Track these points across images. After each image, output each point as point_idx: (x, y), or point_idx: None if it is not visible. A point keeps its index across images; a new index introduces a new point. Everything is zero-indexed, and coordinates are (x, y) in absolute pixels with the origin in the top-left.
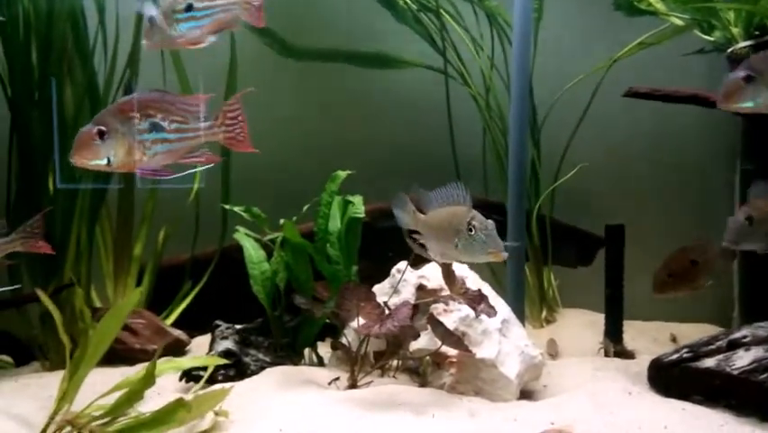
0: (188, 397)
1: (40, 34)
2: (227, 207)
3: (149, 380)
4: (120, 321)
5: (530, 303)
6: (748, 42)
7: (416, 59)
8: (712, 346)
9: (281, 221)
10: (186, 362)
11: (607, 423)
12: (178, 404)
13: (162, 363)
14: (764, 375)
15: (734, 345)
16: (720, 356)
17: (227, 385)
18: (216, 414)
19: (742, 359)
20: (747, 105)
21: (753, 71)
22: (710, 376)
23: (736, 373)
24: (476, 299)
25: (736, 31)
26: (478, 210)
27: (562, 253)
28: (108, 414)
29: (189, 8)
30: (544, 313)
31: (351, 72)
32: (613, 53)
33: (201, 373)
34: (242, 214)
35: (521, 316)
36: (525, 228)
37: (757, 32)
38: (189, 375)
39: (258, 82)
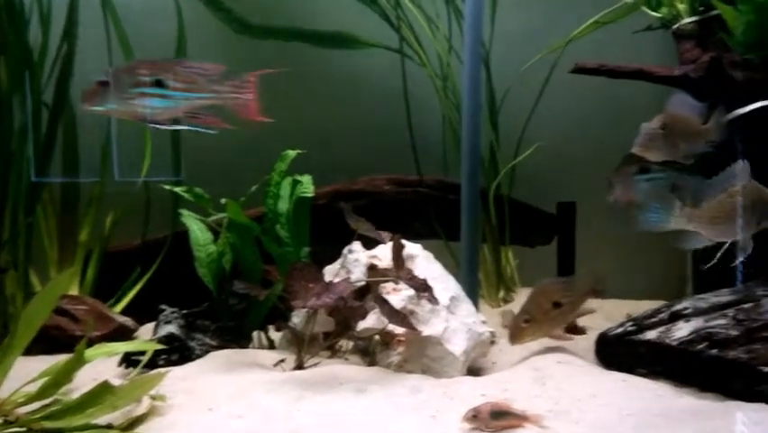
0: (124, 382)
1: None
2: (167, 186)
3: (77, 363)
4: (49, 304)
5: (487, 283)
6: (693, 18)
7: (373, 38)
8: (655, 319)
9: (222, 201)
10: (119, 346)
11: (545, 396)
12: (104, 388)
13: (95, 347)
14: (702, 345)
15: (675, 317)
16: (662, 328)
17: (163, 370)
18: (153, 399)
19: (681, 330)
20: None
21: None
22: (652, 348)
23: (675, 344)
24: (420, 286)
25: (681, 7)
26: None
27: (520, 232)
28: (34, 399)
29: (159, 84)
30: (502, 293)
31: (308, 52)
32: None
33: (142, 358)
34: (184, 195)
35: (474, 294)
36: (478, 207)
37: (702, 8)
38: (130, 361)
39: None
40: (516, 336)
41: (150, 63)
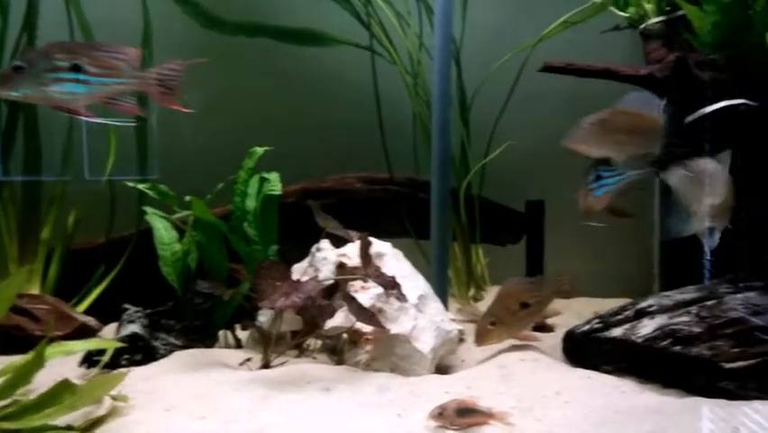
0: (83, 382)
1: None
2: (131, 184)
3: (36, 363)
4: (4, 303)
5: (458, 281)
6: (660, 18)
7: (343, 35)
8: (621, 316)
9: (186, 198)
10: (78, 345)
11: (510, 393)
12: (63, 387)
13: (53, 346)
14: (666, 342)
15: (640, 314)
16: (627, 325)
17: (124, 370)
18: (114, 399)
19: (646, 327)
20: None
21: None
22: (617, 345)
23: (639, 341)
24: (388, 284)
25: (648, 7)
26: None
27: (490, 231)
28: None
29: (76, 69)
30: (472, 291)
31: (278, 48)
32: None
33: (104, 358)
34: (148, 192)
35: (444, 292)
36: (448, 206)
37: (668, 8)
38: (91, 361)
39: (175, 54)
40: (481, 337)
41: (67, 46)
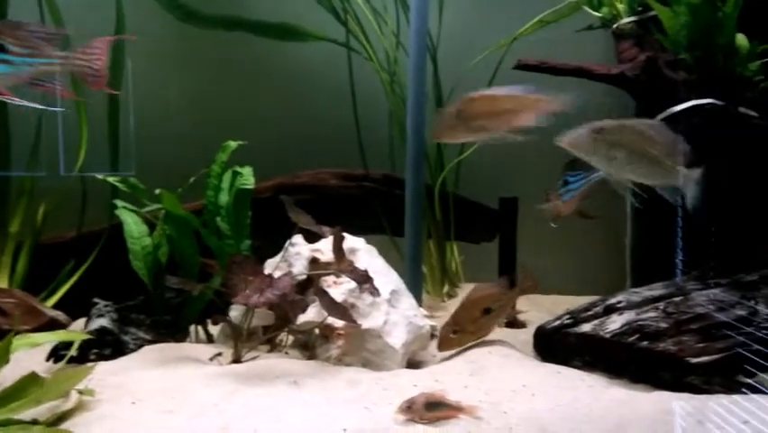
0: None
1: None
2: (100, 176)
3: (2, 357)
4: None
5: (432, 278)
6: (632, 18)
7: (319, 31)
8: (590, 312)
9: (156, 191)
10: (43, 337)
11: (479, 388)
12: (29, 380)
13: (18, 338)
14: (633, 337)
15: (609, 310)
16: (596, 321)
17: (90, 364)
18: (81, 393)
19: (615, 323)
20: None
21: None
22: (587, 340)
23: (608, 336)
24: (361, 278)
25: (621, 7)
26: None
27: (464, 228)
28: None
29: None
30: (446, 288)
31: (255, 43)
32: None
33: (73, 352)
34: (118, 185)
35: (417, 288)
36: (423, 202)
37: (640, 9)
38: (59, 356)
39: (149, 49)
40: (443, 345)
41: None
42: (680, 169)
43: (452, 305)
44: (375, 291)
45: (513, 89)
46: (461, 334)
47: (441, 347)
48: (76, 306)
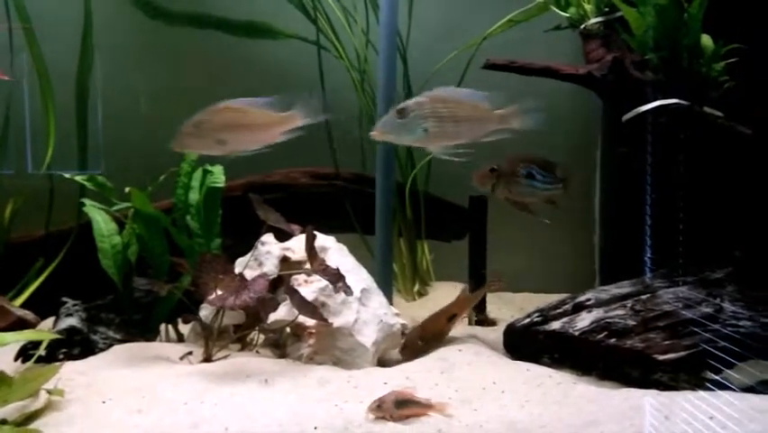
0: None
1: None
2: (67, 175)
3: None
4: None
5: (403, 277)
6: (599, 19)
7: (288, 29)
8: (560, 310)
9: (126, 189)
10: (9, 336)
11: (449, 385)
12: None
13: None
14: (602, 335)
15: (578, 308)
16: (566, 319)
17: (57, 364)
18: (50, 393)
19: (583, 321)
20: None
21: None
22: (556, 338)
23: (577, 333)
24: (334, 277)
25: (588, 7)
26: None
27: (435, 227)
28: None
29: None
30: (417, 287)
31: (225, 39)
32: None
33: (42, 352)
34: (85, 183)
35: (388, 287)
36: (392, 201)
37: (607, 9)
38: (27, 355)
39: (116, 45)
40: (408, 352)
41: None
42: (496, 112)
43: (422, 304)
44: (348, 290)
45: (254, 102)
46: (426, 343)
47: (405, 354)
48: (45, 305)
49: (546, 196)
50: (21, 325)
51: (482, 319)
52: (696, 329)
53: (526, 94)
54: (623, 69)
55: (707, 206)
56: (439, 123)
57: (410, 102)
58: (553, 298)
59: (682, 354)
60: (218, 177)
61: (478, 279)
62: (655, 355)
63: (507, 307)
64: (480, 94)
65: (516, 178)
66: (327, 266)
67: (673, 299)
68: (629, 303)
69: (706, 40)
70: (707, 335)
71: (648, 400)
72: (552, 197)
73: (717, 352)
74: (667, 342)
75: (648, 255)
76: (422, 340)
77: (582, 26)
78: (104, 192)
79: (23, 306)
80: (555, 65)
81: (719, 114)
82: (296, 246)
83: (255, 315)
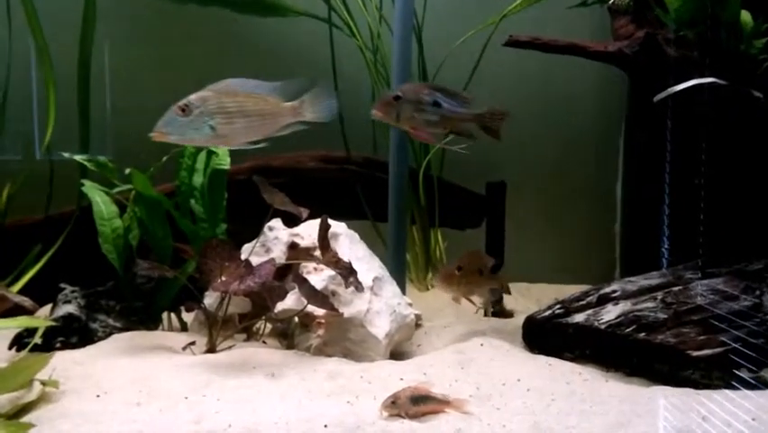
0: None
1: None
2: (66, 155)
3: None
4: None
5: (416, 266)
6: None
7: (299, 6)
8: (583, 302)
9: (127, 171)
10: (2, 323)
11: (467, 381)
12: None
13: None
14: (630, 328)
15: (603, 300)
16: (590, 311)
17: (49, 353)
18: (44, 384)
19: (609, 313)
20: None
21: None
22: (580, 331)
23: (603, 327)
24: (346, 271)
25: None
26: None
27: (449, 214)
28: None
29: None
30: (430, 276)
31: (234, 19)
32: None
33: (38, 340)
34: (86, 164)
35: (401, 276)
36: (406, 187)
37: None
38: (22, 344)
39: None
40: (445, 281)
41: None
42: (286, 104)
43: (436, 294)
44: (359, 286)
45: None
46: (463, 274)
47: (441, 283)
48: (43, 291)
49: (460, 126)
50: (18, 312)
51: (499, 311)
52: (732, 324)
53: (545, 81)
54: (656, 44)
55: (741, 193)
56: (227, 119)
57: (192, 97)
58: (570, 288)
59: (717, 350)
60: (224, 158)
61: (494, 268)
62: (689, 351)
63: (525, 298)
64: (269, 85)
65: (421, 105)
66: (339, 259)
67: (708, 292)
68: (659, 295)
69: (745, 15)
70: (744, 330)
71: (683, 399)
72: (467, 129)
73: (755, 349)
74: (702, 337)
75: (668, 246)
76: (458, 269)
77: (611, 1)
78: (105, 173)
79: (22, 292)
80: (582, 42)
81: (759, 94)
82: (305, 232)
83: (262, 303)
